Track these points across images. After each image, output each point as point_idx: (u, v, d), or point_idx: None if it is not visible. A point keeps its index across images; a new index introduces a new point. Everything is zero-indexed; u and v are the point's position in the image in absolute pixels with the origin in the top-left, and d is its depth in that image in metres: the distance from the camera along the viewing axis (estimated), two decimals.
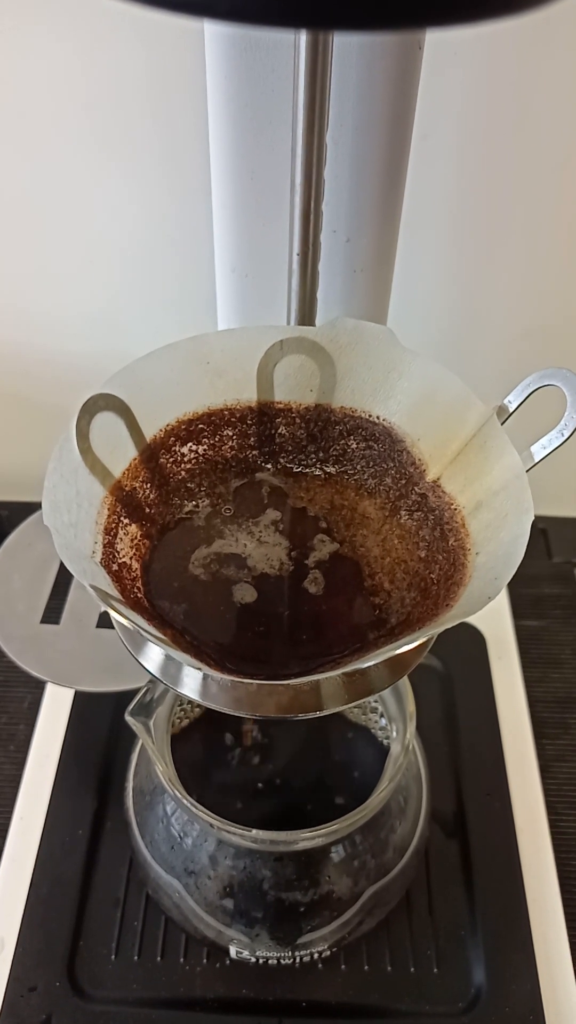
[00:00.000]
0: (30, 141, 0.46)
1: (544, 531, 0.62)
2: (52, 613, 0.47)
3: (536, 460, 0.28)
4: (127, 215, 0.50)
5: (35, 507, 0.50)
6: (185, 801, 0.35)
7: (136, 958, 0.42)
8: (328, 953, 0.39)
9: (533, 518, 0.26)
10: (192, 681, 0.28)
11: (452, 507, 0.30)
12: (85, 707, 0.51)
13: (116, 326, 0.57)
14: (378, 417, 0.33)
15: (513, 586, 0.59)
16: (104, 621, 0.47)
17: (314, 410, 0.33)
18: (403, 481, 0.32)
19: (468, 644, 0.55)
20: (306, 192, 0.30)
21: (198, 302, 0.53)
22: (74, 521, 0.28)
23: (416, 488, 0.31)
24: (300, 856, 0.37)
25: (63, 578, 0.48)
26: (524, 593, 0.58)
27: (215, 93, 0.31)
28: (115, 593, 0.27)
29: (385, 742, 0.43)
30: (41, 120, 0.45)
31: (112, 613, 0.24)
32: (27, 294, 0.55)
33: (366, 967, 0.42)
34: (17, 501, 0.64)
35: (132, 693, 0.39)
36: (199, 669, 0.24)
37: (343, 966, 0.41)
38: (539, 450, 0.28)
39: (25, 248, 0.52)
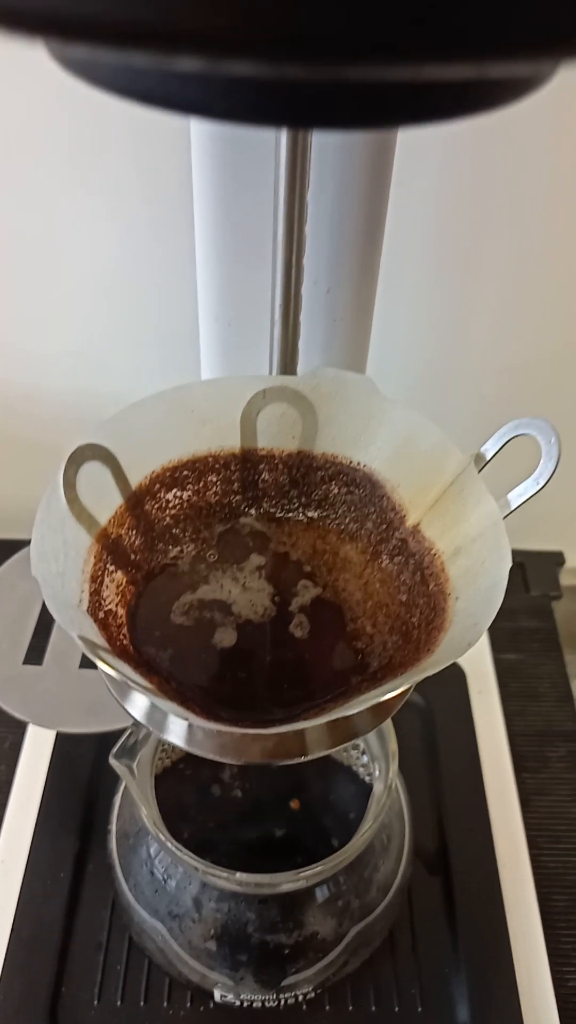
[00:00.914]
0: (15, 182, 0.47)
1: (522, 565, 0.63)
2: (35, 653, 0.47)
3: (512, 508, 0.29)
4: (110, 256, 0.50)
5: (16, 543, 0.50)
6: (169, 844, 0.35)
7: (119, 1003, 0.42)
8: (313, 994, 0.39)
9: (511, 564, 0.27)
10: (178, 727, 0.28)
11: (432, 552, 0.31)
12: (67, 748, 0.51)
13: (98, 364, 0.57)
14: (359, 463, 0.34)
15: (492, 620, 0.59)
16: (87, 662, 0.47)
17: (296, 456, 0.34)
18: (384, 526, 0.33)
19: (449, 679, 0.55)
20: (288, 248, 0.31)
21: (180, 340, 0.54)
22: (61, 571, 0.28)
23: (397, 533, 0.32)
24: (284, 898, 0.37)
25: (46, 618, 0.48)
26: (502, 627, 0.59)
27: (199, 154, 0.32)
28: (102, 642, 0.27)
29: (367, 779, 0.43)
30: (26, 162, 0.46)
31: (99, 663, 0.25)
32: (9, 332, 0.56)
33: (351, 1007, 0.42)
34: None
35: (114, 734, 0.39)
36: (184, 718, 0.25)
37: (328, 1007, 0.41)
38: (515, 498, 0.29)
39: (7, 286, 0.53)
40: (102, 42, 0.10)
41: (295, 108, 0.13)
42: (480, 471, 0.30)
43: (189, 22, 0.10)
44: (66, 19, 0.10)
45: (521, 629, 0.59)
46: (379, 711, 0.29)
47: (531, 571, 0.62)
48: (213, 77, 0.11)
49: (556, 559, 0.63)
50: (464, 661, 0.56)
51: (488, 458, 0.30)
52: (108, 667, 0.24)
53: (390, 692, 0.25)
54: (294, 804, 0.45)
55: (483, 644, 0.58)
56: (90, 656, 0.25)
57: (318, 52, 0.10)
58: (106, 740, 0.40)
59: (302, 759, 0.27)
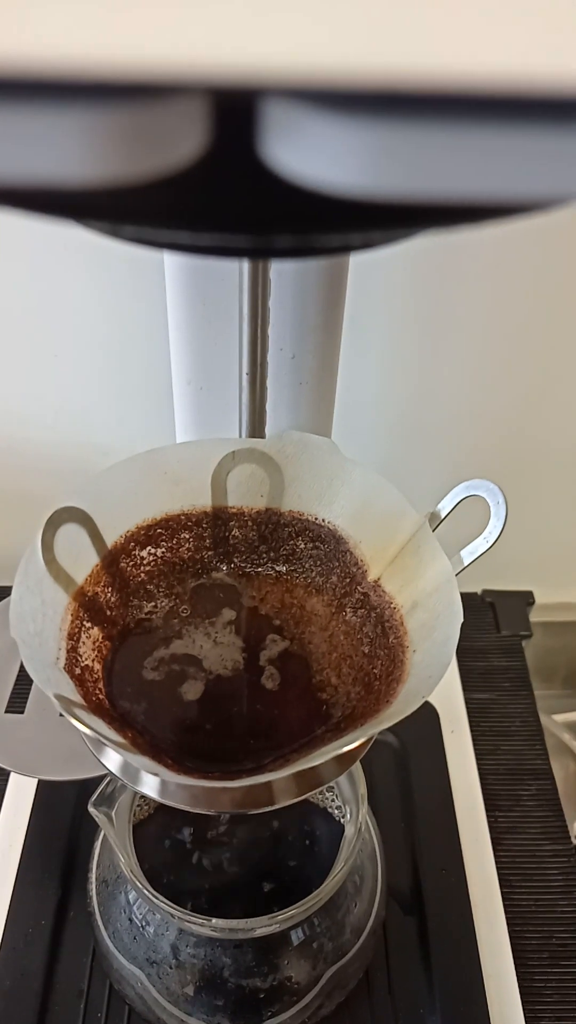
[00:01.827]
0: (4, 245, 0.49)
1: (492, 604, 0.64)
2: (16, 701, 0.48)
3: (465, 564, 0.31)
4: (92, 314, 0.53)
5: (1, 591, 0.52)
6: (146, 892, 0.36)
7: None
8: None
9: (462, 620, 0.29)
10: (150, 780, 0.29)
11: (392, 606, 0.32)
12: (49, 795, 0.52)
13: (80, 417, 0.59)
14: (323, 520, 0.35)
15: (462, 659, 0.61)
16: None
17: (264, 514, 0.36)
18: (348, 580, 0.35)
19: (421, 718, 0.57)
20: (253, 322, 0.33)
21: (159, 393, 0.56)
22: (39, 630, 0.30)
23: (359, 587, 0.34)
24: (259, 942, 0.38)
25: None
26: (474, 666, 0.61)
27: None
28: (77, 698, 0.29)
29: (340, 820, 0.45)
30: (14, 225, 0.48)
31: (74, 722, 0.26)
32: None
33: None
34: None
35: (95, 780, 0.40)
36: (155, 773, 0.26)
37: None
38: (468, 555, 0.31)
39: None
40: (62, 216, 0.12)
41: (231, 253, 0.15)
42: (435, 529, 0.32)
43: (130, 209, 0.11)
44: (31, 205, 0.12)
45: (492, 668, 0.61)
46: (343, 760, 0.30)
47: (501, 611, 0.64)
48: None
49: (526, 598, 0.65)
50: (436, 700, 0.57)
51: (443, 517, 0.32)
52: (82, 725, 0.26)
53: (351, 743, 0.27)
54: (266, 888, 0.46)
55: (455, 683, 0.59)
56: (65, 714, 0.26)
57: (242, 229, 0.12)
58: (87, 787, 0.41)
59: (270, 808, 0.29)
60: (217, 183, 0.10)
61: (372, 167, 0.08)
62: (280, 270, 0.35)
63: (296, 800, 0.30)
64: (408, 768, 0.54)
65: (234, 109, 0.08)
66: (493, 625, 0.63)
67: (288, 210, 0.10)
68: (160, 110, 0.08)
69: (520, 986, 0.45)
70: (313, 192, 0.09)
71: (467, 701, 0.58)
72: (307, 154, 0.08)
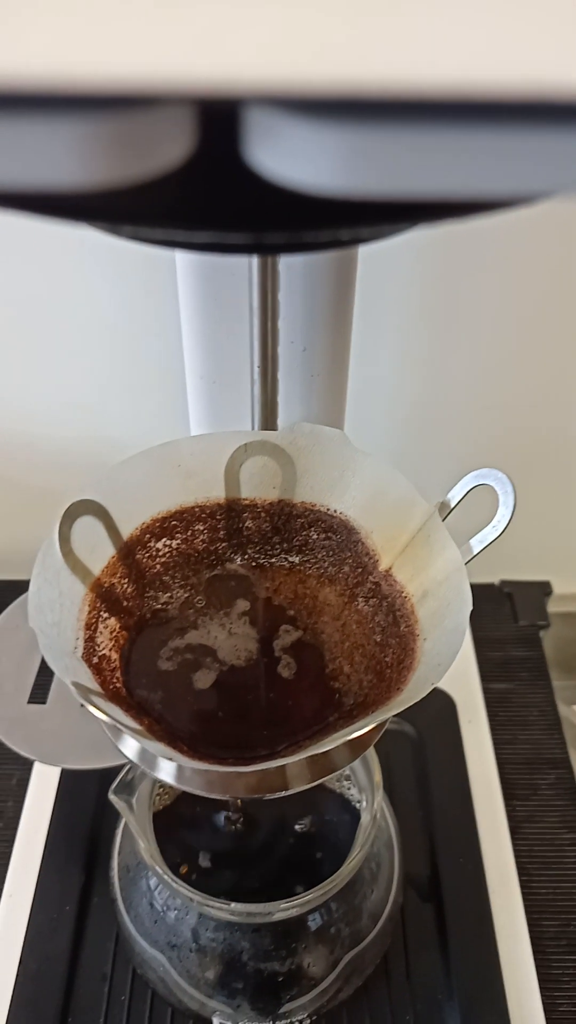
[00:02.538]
0: (15, 236, 0.50)
1: (510, 595, 0.64)
2: (39, 692, 0.49)
3: (475, 553, 0.31)
4: (107, 312, 0.53)
5: (19, 585, 0.52)
6: (166, 877, 0.36)
7: None
8: (308, 1022, 0.41)
9: (471, 609, 0.29)
10: (168, 766, 0.30)
11: (403, 595, 0.33)
12: (72, 784, 0.53)
13: (96, 413, 0.60)
14: (335, 511, 0.36)
15: (480, 649, 0.61)
16: None
17: (277, 505, 0.36)
18: (359, 569, 0.35)
19: (439, 708, 0.57)
20: (263, 315, 0.34)
21: (173, 387, 0.57)
22: (57, 620, 0.30)
23: (371, 576, 0.34)
24: (277, 926, 0.38)
25: None
26: (491, 656, 0.61)
27: None
28: (95, 686, 0.29)
29: (358, 806, 0.45)
30: (28, 223, 0.49)
31: (92, 709, 0.27)
32: (9, 384, 0.59)
33: None
34: (1, 580, 0.67)
35: (117, 769, 0.41)
36: (170, 759, 0.27)
37: None
38: (477, 544, 0.31)
39: (8, 339, 0.56)
40: (61, 217, 0.13)
41: (226, 249, 0.15)
42: (445, 518, 0.32)
43: (122, 211, 0.12)
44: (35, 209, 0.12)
45: (510, 658, 0.61)
46: (356, 745, 0.31)
47: (519, 601, 0.64)
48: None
49: (543, 589, 0.65)
50: (454, 691, 0.58)
51: (452, 506, 0.33)
52: (100, 712, 0.27)
53: (361, 729, 0.27)
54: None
55: (472, 673, 0.59)
56: (83, 701, 0.27)
57: (233, 227, 0.12)
58: (109, 775, 0.42)
59: (284, 793, 0.29)
60: (205, 184, 0.10)
61: (347, 168, 0.09)
62: (289, 263, 0.35)
63: (310, 786, 0.30)
64: (426, 758, 0.54)
65: (216, 116, 0.09)
66: (511, 615, 0.63)
67: (275, 209, 0.10)
68: (147, 118, 0.09)
69: (538, 973, 0.45)
70: (295, 192, 0.09)
71: (485, 691, 0.59)
72: (286, 157, 0.09)
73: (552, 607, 0.65)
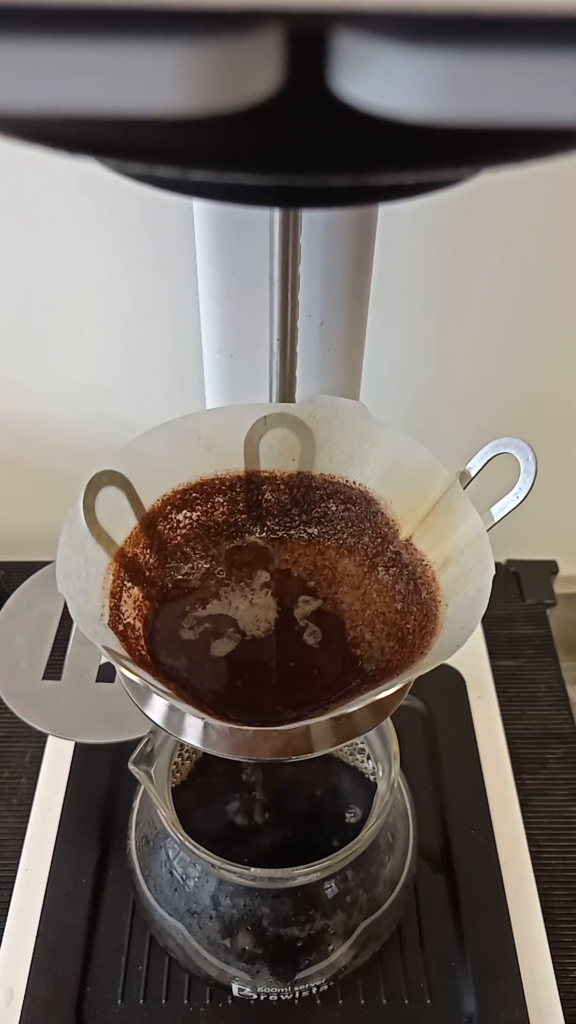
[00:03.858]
0: (25, 216, 0.50)
1: (516, 574, 0.65)
2: (53, 669, 0.50)
3: (496, 520, 0.32)
4: (118, 290, 0.53)
5: (31, 566, 0.53)
6: (187, 843, 0.37)
7: (142, 1001, 0.44)
8: (326, 987, 0.41)
9: (494, 573, 0.30)
10: (194, 730, 0.30)
11: (423, 563, 0.33)
12: (85, 759, 0.53)
13: (108, 394, 0.60)
14: (354, 482, 0.36)
15: (489, 627, 0.62)
16: (103, 675, 0.49)
17: (296, 477, 0.37)
18: (379, 540, 0.35)
19: (448, 685, 0.58)
20: (283, 287, 0.34)
21: (186, 368, 0.57)
22: (84, 587, 0.31)
23: (391, 546, 0.35)
24: (296, 892, 0.39)
25: (63, 635, 0.51)
26: (499, 634, 0.61)
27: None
28: (123, 652, 0.30)
29: (372, 778, 0.46)
30: (35, 195, 0.49)
31: (122, 670, 0.27)
32: (21, 365, 0.59)
33: (362, 1001, 0.44)
34: (13, 561, 0.67)
35: (130, 743, 0.41)
36: (202, 719, 0.27)
37: (340, 1000, 0.43)
38: (498, 511, 0.32)
39: (19, 320, 0.56)
40: (138, 161, 0.13)
41: (283, 198, 0.16)
42: (465, 487, 0.33)
43: (203, 150, 0.12)
44: (109, 148, 0.13)
45: (518, 636, 0.61)
46: (378, 710, 0.31)
47: (526, 580, 0.64)
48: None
49: (550, 567, 0.65)
50: (463, 667, 0.58)
51: (472, 475, 0.33)
52: (131, 673, 0.27)
53: (386, 691, 0.28)
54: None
55: (481, 650, 0.60)
56: (114, 663, 0.27)
57: (298, 169, 0.13)
58: (122, 750, 0.43)
59: (309, 756, 0.30)
60: (292, 116, 0.10)
61: (441, 90, 0.09)
62: (309, 236, 0.36)
63: (334, 748, 0.31)
64: (436, 733, 0.55)
65: (309, 44, 0.09)
66: (518, 594, 0.64)
67: (354, 143, 0.11)
68: (241, 45, 0.09)
69: (549, 941, 0.46)
70: (383, 119, 0.10)
71: (493, 668, 0.59)
72: (376, 83, 0.09)
73: (558, 588, 0.65)
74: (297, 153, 0.11)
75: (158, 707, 0.31)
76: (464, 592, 0.30)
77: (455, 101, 0.09)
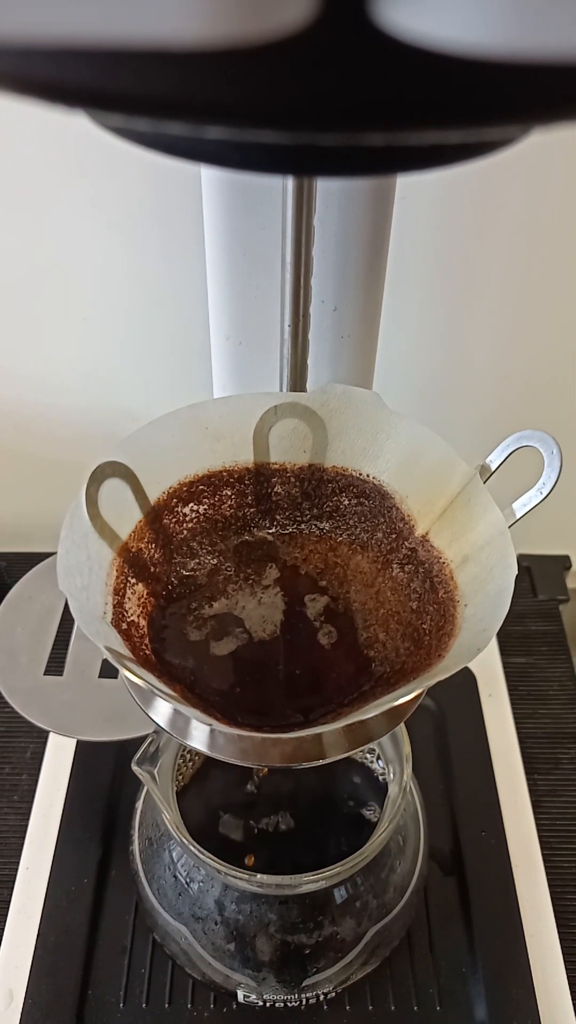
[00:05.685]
0: (27, 200, 0.48)
1: (528, 569, 0.64)
2: (55, 664, 0.48)
3: (518, 516, 0.30)
4: (122, 278, 0.52)
5: (32, 556, 0.52)
6: (192, 847, 0.36)
7: (144, 1005, 0.43)
8: (333, 994, 0.40)
9: (516, 572, 0.28)
10: (200, 734, 0.29)
11: (440, 560, 0.32)
12: (87, 757, 0.52)
13: (111, 382, 0.59)
14: (368, 475, 0.35)
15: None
16: (106, 672, 0.48)
17: (307, 470, 0.35)
18: (394, 536, 0.34)
19: (459, 683, 0.56)
20: (296, 270, 0.32)
21: (191, 357, 0.56)
22: (86, 584, 0.29)
23: (406, 543, 0.33)
24: (304, 899, 0.38)
25: (65, 630, 0.49)
26: (511, 631, 0.60)
27: (209, 178, 0.34)
28: (127, 652, 0.28)
29: (381, 779, 0.44)
30: (37, 179, 0.47)
31: (125, 672, 0.26)
32: (22, 352, 0.57)
33: (370, 1007, 0.42)
34: (14, 552, 0.66)
35: (133, 742, 0.40)
36: (208, 724, 0.26)
37: (348, 1007, 0.42)
38: (520, 507, 0.30)
39: (20, 306, 0.54)
40: (140, 114, 0.11)
41: (304, 162, 0.14)
42: (485, 481, 0.31)
43: (219, 98, 0.11)
44: (108, 95, 0.11)
45: (529, 633, 0.60)
46: (393, 715, 0.30)
47: (538, 575, 0.63)
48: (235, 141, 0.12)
49: (563, 563, 0.64)
50: (474, 665, 0.57)
51: (493, 469, 0.31)
52: (134, 676, 0.26)
53: (403, 697, 0.26)
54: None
55: (492, 648, 0.59)
56: (116, 665, 0.26)
57: (331, 123, 0.11)
58: (125, 748, 0.41)
59: (320, 762, 0.28)
60: (323, 55, 0.09)
61: (502, 18, 0.08)
62: (323, 217, 0.34)
63: (346, 755, 0.29)
64: (447, 732, 0.54)
65: None
66: (530, 590, 0.63)
67: (394, 90, 0.09)
68: None
69: (563, 946, 0.45)
70: (431, 54, 0.08)
71: (505, 665, 0.58)
72: (426, 7, 0.08)
73: (572, 582, 0.64)
74: (327, 104, 0.10)
75: (163, 709, 0.30)
76: (484, 592, 0.29)
77: (522, 29, 0.08)
